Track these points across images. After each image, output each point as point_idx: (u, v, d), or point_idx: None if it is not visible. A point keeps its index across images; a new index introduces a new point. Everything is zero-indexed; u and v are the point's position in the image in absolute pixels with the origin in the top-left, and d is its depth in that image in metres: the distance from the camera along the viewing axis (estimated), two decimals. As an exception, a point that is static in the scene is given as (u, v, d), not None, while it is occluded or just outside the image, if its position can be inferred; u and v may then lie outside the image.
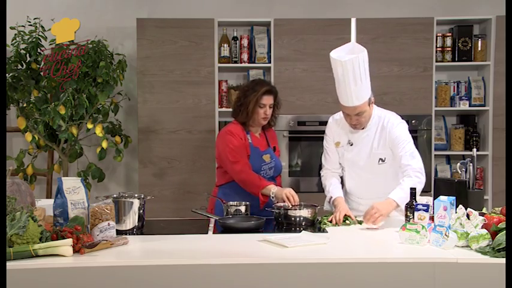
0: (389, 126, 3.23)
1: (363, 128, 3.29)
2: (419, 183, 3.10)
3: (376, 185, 3.28)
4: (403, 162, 3.17)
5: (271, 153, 3.50)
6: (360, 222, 3.06)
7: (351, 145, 3.32)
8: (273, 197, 3.25)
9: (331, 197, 3.30)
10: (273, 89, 3.46)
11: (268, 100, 3.41)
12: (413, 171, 3.13)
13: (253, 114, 3.41)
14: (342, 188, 3.42)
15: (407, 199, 2.94)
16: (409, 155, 3.18)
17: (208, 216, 3.22)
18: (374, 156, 3.27)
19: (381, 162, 3.26)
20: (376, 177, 3.28)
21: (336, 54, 3.14)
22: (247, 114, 3.41)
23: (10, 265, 2.18)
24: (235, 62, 4.78)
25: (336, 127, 3.40)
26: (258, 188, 3.31)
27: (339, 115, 3.39)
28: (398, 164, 3.21)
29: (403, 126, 3.28)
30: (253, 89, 3.42)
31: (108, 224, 2.57)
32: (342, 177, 3.45)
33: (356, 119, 3.20)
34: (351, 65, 3.08)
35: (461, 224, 2.59)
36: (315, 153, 4.75)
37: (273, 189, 3.27)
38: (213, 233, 2.91)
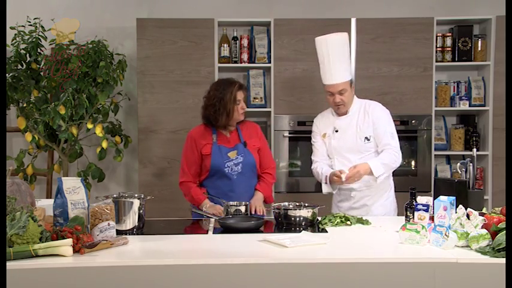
0: (372, 109, 3.52)
1: (345, 114, 3.53)
2: (395, 162, 3.45)
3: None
4: (383, 141, 3.46)
5: (238, 149, 3.47)
6: (362, 222, 3.06)
7: (337, 131, 3.54)
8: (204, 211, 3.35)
9: (326, 176, 3.49)
10: (242, 84, 3.55)
11: (241, 95, 3.48)
12: (392, 149, 3.43)
13: (233, 112, 3.44)
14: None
15: (382, 170, 3.37)
16: (390, 135, 3.47)
17: (208, 216, 3.22)
18: (360, 135, 3.49)
19: (366, 141, 3.49)
20: (364, 157, 3.48)
21: (322, 36, 3.52)
22: (228, 115, 3.43)
23: (10, 265, 2.18)
24: (235, 62, 4.78)
25: (320, 121, 3.66)
26: (194, 202, 3.45)
27: (324, 111, 3.69)
28: (378, 142, 3.47)
29: (385, 110, 3.56)
30: (226, 90, 3.44)
31: (108, 224, 2.57)
32: (332, 169, 3.57)
33: (340, 98, 3.47)
34: (336, 43, 3.46)
35: (461, 224, 2.59)
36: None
37: (204, 207, 3.38)
38: (213, 233, 2.91)
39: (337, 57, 3.45)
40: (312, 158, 3.66)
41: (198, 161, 3.48)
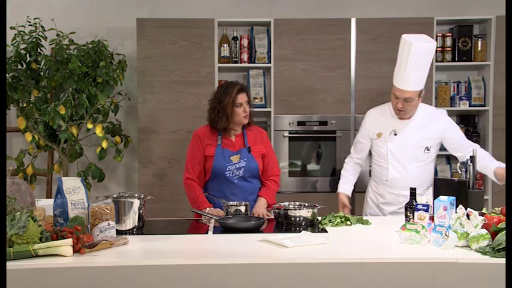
0: (439, 117, 3.49)
1: (409, 118, 3.43)
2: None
3: (422, 174, 3.44)
4: (463, 144, 3.46)
5: (242, 154, 3.46)
6: (362, 222, 3.06)
7: (395, 134, 3.44)
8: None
9: (339, 193, 3.58)
10: (244, 87, 3.50)
11: (243, 98, 3.44)
12: (478, 148, 3.40)
13: (233, 116, 3.41)
14: (386, 180, 3.55)
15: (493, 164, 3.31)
16: (465, 138, 3.52)
17: (208, 216, 3.21)
18: (421, 144, 3.42)
19: (426, 151, 3.43)
20: (421, 166, 3.44)
21: (410, 37, 3.35)
22: (227, 118, 3.41)
23: (10, 265, 2.18)
24: (235, 62, 4.78)
25: (377, 118, 3.55)
26: (195, 205, 3.40)
27: (379, 107, 3.58)
28: (461, 149, 3.44)
29: (449, 118, 3.54)
30: (225, 92, 3.43)
31: (108, 224, 2.57)
32: (381, 171, 3.59)
33: (403, 104, 3.36)
34: (419, 51, 3.27)
35: (461, 224, 2.59)
36: (315, 153, 4.76)
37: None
38: (213, 233, 2.91)
39: (415, 65, 3.29)
40: (351, 151, 3.70)
41: (202, 160, 3.46)
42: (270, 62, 4.70)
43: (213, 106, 3.47)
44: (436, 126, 3.44)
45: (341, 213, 3.13)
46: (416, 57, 3.27)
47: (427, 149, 3.43)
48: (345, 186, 3.63)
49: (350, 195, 3.63)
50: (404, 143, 3.44)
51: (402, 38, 3.36)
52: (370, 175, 3.77)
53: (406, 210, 2.90)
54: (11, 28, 4.40)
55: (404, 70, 3.31)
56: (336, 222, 3.02)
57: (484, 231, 2.45)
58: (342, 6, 5.00)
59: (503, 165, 3.23)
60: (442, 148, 4.84)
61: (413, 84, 3.32)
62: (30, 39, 4.47)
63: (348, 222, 3.03)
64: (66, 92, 4.26)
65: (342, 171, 3.71)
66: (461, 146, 3.46)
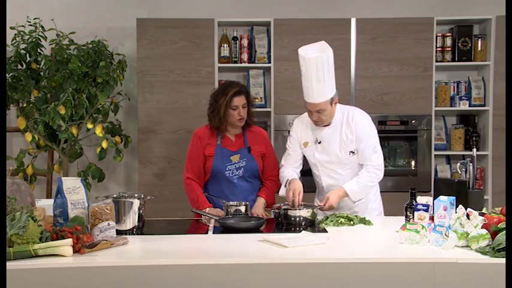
0: (355, 121, 3.31)
1: (327, 125, 3.34)
2: (376, 179, 3.29)
3: (352, 177, 3.33)
4: (364, 155, 3.29)
5: (242, 154, 3.44)
6: (365, 222, 3.05)
7: (319, 143, 3.37)
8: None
9: (287, 179, 3.31)
10: (242, 89, 3.44)
11: (239, 101, 3.39)
12: (372, 167, 3.26)
13: (227, 118, 3.39)
14: (322, 187, 3.45)
15: (360, 192, 3.25)
16: (372, 150, 3.29)
17: (208, 216, 3.21)
18: (344, 149, 3.32)
19: (351, 154, 3.32)
20: (350, 169, 3.35)
21: (303, 51, 3.24)
22: (220, 118, 3.39)
23: (10, 265, 2.18)
24: (235, 62, 4.78)
25: (301, 127, 3.46)
26: (195, 205, 3.38)
27: (303, 117, 3.47)
28: (360, 156, 3.31)
29: (367, 120, 3.36)
30: (222, 93, 3.40)
31: (108, 224, 2.57)
32: (317, 179, 3.48)
33: (317, 116, 3.27)
34: (314, 63, 3.18)
35: (461, 224, 2.59)
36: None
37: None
38: (213, 233, 2.92)
39: (315, 78, 3.16)
40: (282, 161, 3.49)
41: (202, 160, 3.45)
42: (270, 62, 4.70)
43: (210, 103, 3.48)
44: (353, 131, 3.28)
45: (344, 214, 3.11)
46: (315, 71, 3.16)
47: (352, 152, 3.30)
48: (292, 174, 3.36)
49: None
50: (328, 151, 3.33)
51: (298, 53, 3.21)
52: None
53: (406, 210, 2.90)
54: (11, 28, 4.41)
55: (307, 83, 3.20)
56: (339, 222, 3.00)
57: (484, 231, 2.45)
58: (342, 6, 5.00)
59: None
60: (442, 148, 4.89)
61: (320, 96, 3.18)
62: (30, 39, 4.47)
63: (351, 222, 3.02)
64: (66, 92, 4.27)
65: (281, 175, 3.43)
66: (360, 155, 3.30)
